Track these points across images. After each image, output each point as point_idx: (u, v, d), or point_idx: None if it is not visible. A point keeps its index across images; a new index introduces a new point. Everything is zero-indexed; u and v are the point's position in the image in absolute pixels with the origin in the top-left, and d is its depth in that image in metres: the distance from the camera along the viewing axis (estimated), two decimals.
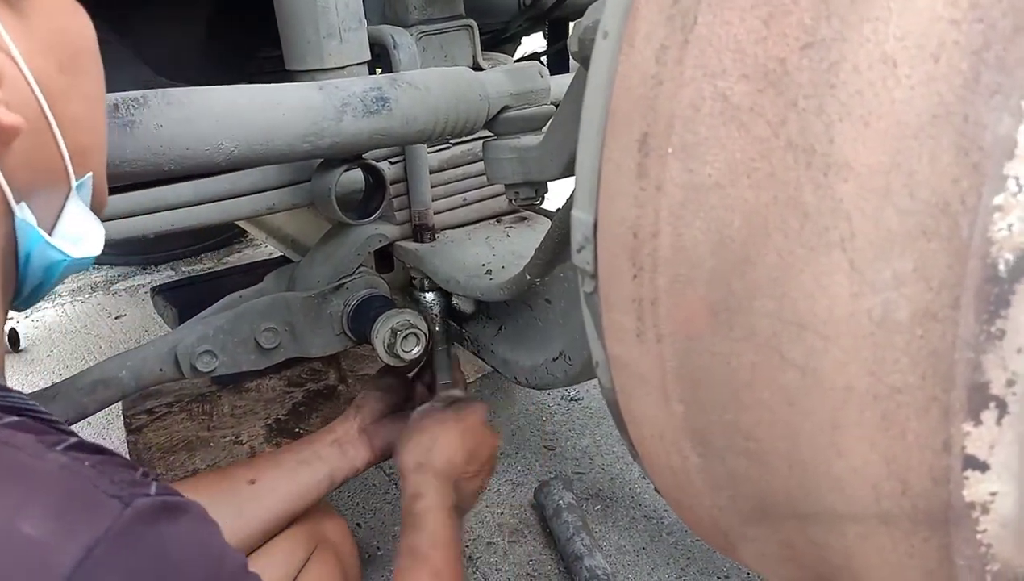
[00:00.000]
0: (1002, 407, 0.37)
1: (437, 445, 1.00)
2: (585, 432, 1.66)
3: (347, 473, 1.04)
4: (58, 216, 0.52)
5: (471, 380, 1.85)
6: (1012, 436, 0.38)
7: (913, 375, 0.39)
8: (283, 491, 0.96)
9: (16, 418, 0.42)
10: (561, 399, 1.78)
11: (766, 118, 0.43)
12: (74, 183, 0.52)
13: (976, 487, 0.39)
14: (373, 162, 1.11)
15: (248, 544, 0.90)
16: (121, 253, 2.68)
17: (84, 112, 0.52)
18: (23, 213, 0.48)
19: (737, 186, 0.44)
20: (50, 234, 0.51)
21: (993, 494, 0.39)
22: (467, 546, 1.38)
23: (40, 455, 0.39)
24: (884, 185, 0.39)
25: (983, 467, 0.39)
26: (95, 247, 0.53)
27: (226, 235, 2.82)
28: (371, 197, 1.14)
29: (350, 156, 1.07)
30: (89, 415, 1.03)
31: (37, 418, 0.43)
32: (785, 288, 0.43)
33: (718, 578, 1.28)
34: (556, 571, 1.31)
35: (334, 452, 1.04)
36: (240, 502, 0.91)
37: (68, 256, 0.51)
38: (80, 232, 0.53)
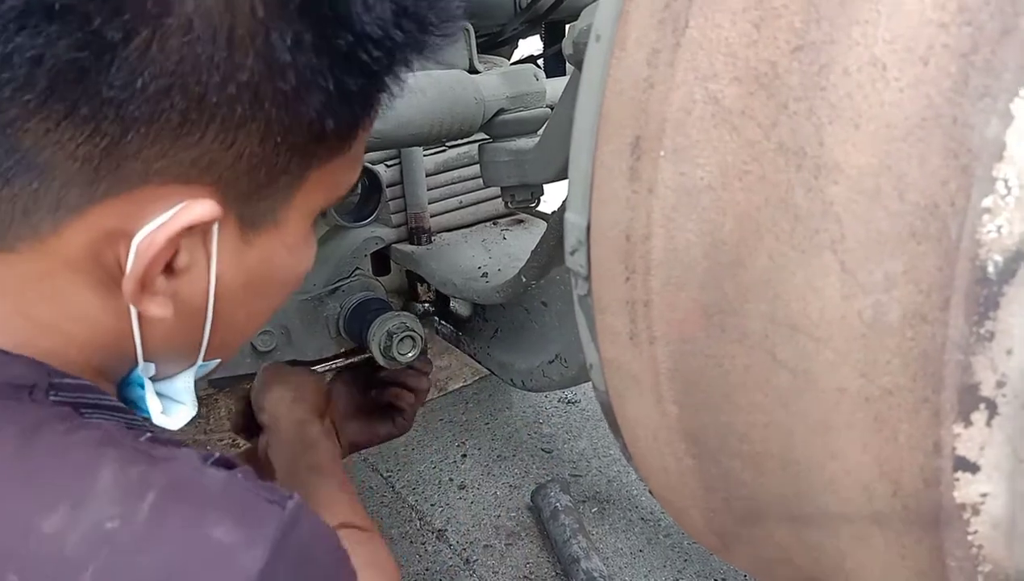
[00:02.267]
0: (992, 408, 0.38)
1: (307, 389, 1.00)
2: (582, 435, 1.66)
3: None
4: (170, 377, 0.54)
5: (468, 383, 1.85)
6: (1002, 437, 0.38)
7: (904, 377, 0.39)
8: None
9: (155, 436, 0.47)
10: (558, 402, 1.78)
11: (757, 121, 0.43)
12: (199, 363, 0.53)
13: (967, 488, 0.39)
14: (369, 165, 1.11)
15: None
16: None
17: (243, 322, 0.54)
18: (144, 369, 0.51)
19: (729, 189, 0.44)
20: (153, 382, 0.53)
21: (984, 495, 0.39)
22: (464, 549, 1.38)
23: (201, 470, 0.44)
24: (874, 187, 0.39)
25: (973, 468, 0.39)
26: (173, 424, 0.54)
27: None
28: (367, 200, 1.14)
29: None
30: None
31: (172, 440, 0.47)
32: (777, 290, 0.43)
33: (714, 580, 1.28)
34: (553, 573, 1.31)
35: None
36: None
37: (147, 413, 0.53)
38: (174, 405, 0.55)
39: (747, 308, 0.45)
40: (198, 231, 0.45)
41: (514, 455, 1.61)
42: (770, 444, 0.47)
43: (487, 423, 1.71)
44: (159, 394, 0.54)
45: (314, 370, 1.08)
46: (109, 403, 0.48)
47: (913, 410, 0.39)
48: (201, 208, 0.44)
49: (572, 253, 0.53)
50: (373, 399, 1.13)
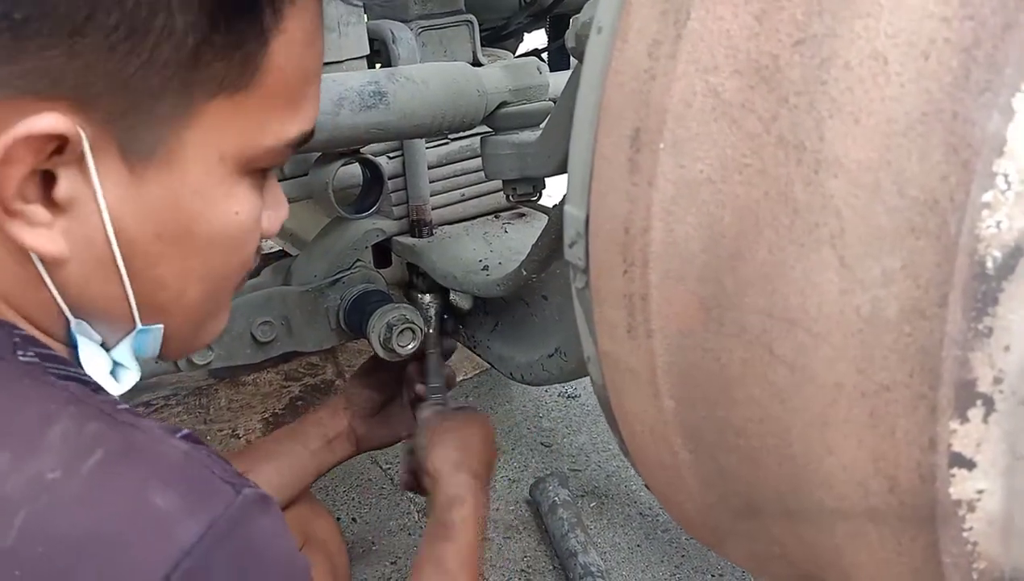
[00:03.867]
0: (989, 404, 0.38)
1: (472, 446, 0.97)
2: (582, 429, 1.66)
3: (331, 466, 1.06)
4: (117, 343, 0.53)
5: (468, 376, 1.85)
6: (999, 434, 0.38)
7: (901, 372, 0.39)
8: (273, 483, 0.96)
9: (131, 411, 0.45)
10: (558, 396, 1.78)
11: (757, 114, 0.43)
12: (139, 327, 0.52)
13: (962, 485, 0.39)
14: (371, 157, 1.11)
15: None
16: None
17: (174, 281, 0.51)
18: (80, 328, 0.50)
19: (728, 182, 0.44)
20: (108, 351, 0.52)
21: (980, 492, 0.39)
22: None
23: (164, 440, 0.44)
24: (874, 182, 0.39)
25: (970, 465, 0.39)
26: (117, 387, 0.53)
27: None
28: (368, 192, 1.14)
29: (348, 150, 1.07)
30: None
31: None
32: (775, 284, 0.43)
33: (712, 576, 1.28)
34: (551, 567, 1.31)
35: (323, 446, 1.05)
36: None
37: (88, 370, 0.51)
38: (123, 371, 0.54)
39: (745, 302, 0.45)
40: (72, 160, 0.44)
41: (513, 449, 1.61)
42: (767, 439, 0.47)
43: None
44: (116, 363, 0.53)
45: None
46: (77, 374, 0.47)
47: (910, 406, 0.39)
48: (44, 121, 0.42)
49: (571, 245, 0.53)
50: (392, 398, 1.14)
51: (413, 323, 1.10)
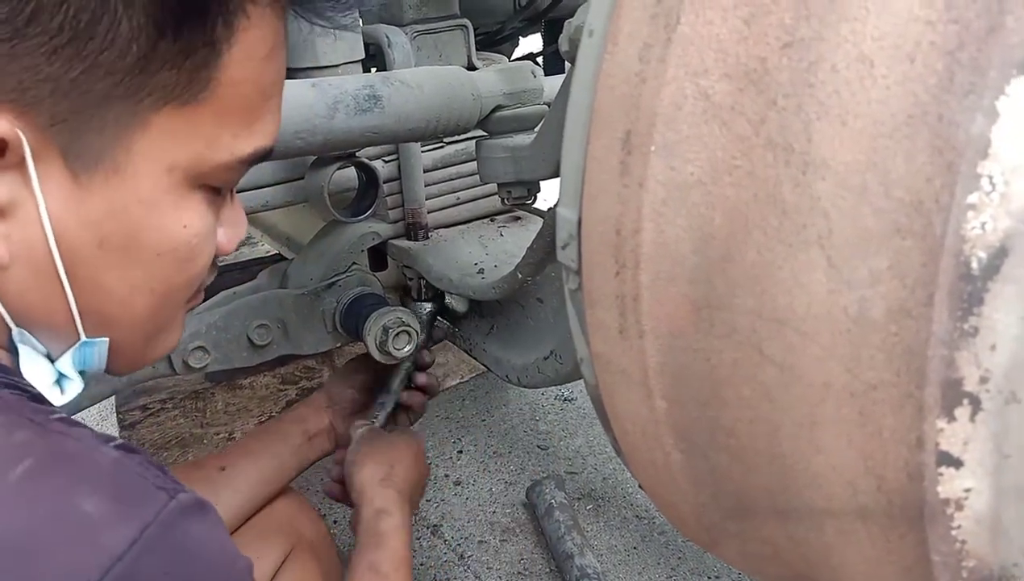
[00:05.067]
0: (976, 403, 0.38)
1: (400, 464, 1.00)
2: (578, 432, 1.66)
3: (312, 462, 1.08)
4: (62, 355, 0.51)
5: (464, 379, 1.86)
6: (986, 433, 0.38)
7: (888, 372, 0.39)
8: (254, 479, 0.98)
9: (63, 416, 0.45)
10: (555, 399, 1.78)
11: (747, 117, 0.43)
12: (83, 339, 0.50)
13: (950, 484, 0.39)
14: (366, 160, 1.11)
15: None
16: None
17: (120, 292, 0.49)
18: (21, 337, 0.49)
19: (718, 184, 0.45)
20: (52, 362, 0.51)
21: (967, 490, 0.40)
22: (459, 544, 1.39)
23: (95, 448, 0.43)
24: (861, 183, 0.39)
25: (957, 463, 0.39)
26: (59, 398, 0.51)
27: None
28: (364, 195, 1.15)
29: (343, 153, 1.08)
30: (82, 410, 1.04)
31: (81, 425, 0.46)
32: (765, 285, 0.43)
33: (708, 578, 1.28)
34: (547, 569, 1.32)
35: (304, 443, 1.07)
36: (213, 489, 0.93)
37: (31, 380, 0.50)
38: (67, 382, 0.52)
39: (735, 303, 0.45)
40: (12, 164, 0.43)
41: (510, 452, 1.62)
42: (757, 439, 0.47)
43: (483, 419, 1.72)
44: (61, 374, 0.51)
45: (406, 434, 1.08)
46: (15, 382, 0.47)
47: (897, 405, 0.40)
48: None
49: (563, 247, 0.53)
50: (375, 398, 1.14)
51: (409, 326, 1.10)
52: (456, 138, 1.24)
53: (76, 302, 0.48)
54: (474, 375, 1.87)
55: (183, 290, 0.53)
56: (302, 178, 1.14)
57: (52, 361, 0.51)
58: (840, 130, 0.40)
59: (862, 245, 0.39)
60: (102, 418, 1.75)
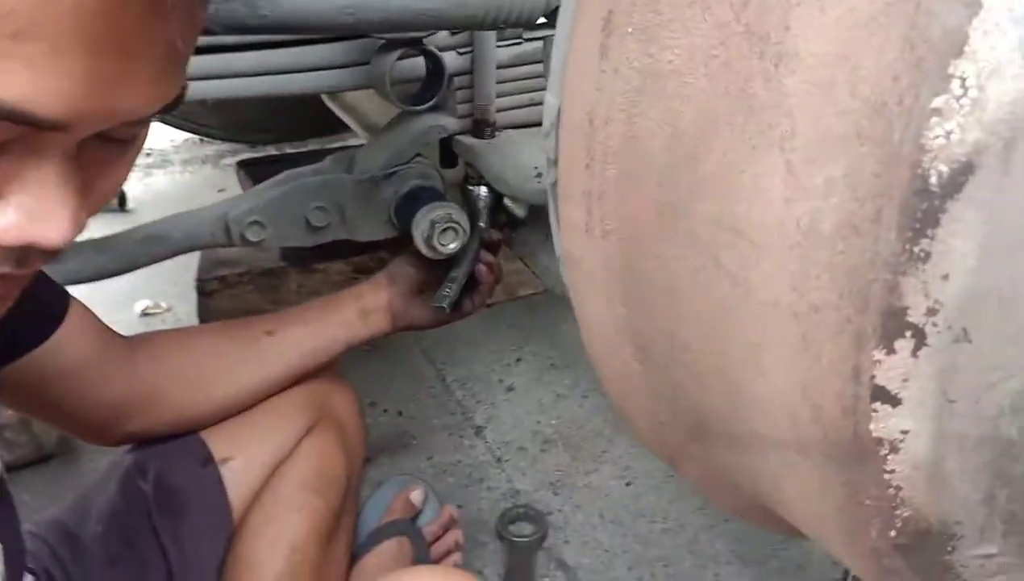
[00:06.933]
0: (920, 337, 0.34)
1: None
2: None
3: (363, 340, 1.04)
4: None
5: (538, 291, 1.84)
6: (929, 371, 0.34)
7: (831, 293, 0.36)
8: (302, 348, 0.97)
9: None
10: None
11: (730, 1, 0.39)
12: None
13: (886, 422, 0.36)
14: (433, 49, 1.09)
15: (260, 394, 0.92)
16: (235, 131, 2.75)
17: None
18: None
19: (694, 75, 0.41)
20: None
21: (904, 432, 0.36)
22: (499, 448, 1.40)
23: None
24: (828, 79, 0.35)
25: (894, 401, 0.35)
26: None
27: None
28: (428, 85, 1.13)
29: (408, 40, 1.06)
30: (140, 266, 1.08)
31: None
32: (726, 190, 0.40)
33: None
34: (580, 484, 1.32)
35: (357, 317, 1.04)
36: (255, 353, 0.93)
37: None
38: None
39: (698, 209, 0.42)
40: None
41: (567, 366, 1.61)
42: (710, 357, 0.44)
43: (547, 331, 1.71)
44: None
45: None
46: None
47: (836, 330, 0.36)
48: None
49: (545, 136, 0.50)
50: (439, 277, 1.09)
51: (457, 223, 1.09)
52: (536, 35, 1.20)
53: None
54: (546, 288, 1.85)
55: None
56: (368, 63, 1.12)
57: None
58: (818, 17, 0.35)
59: (822, 149, 0.35)
60: (182, 289, 1.84)
